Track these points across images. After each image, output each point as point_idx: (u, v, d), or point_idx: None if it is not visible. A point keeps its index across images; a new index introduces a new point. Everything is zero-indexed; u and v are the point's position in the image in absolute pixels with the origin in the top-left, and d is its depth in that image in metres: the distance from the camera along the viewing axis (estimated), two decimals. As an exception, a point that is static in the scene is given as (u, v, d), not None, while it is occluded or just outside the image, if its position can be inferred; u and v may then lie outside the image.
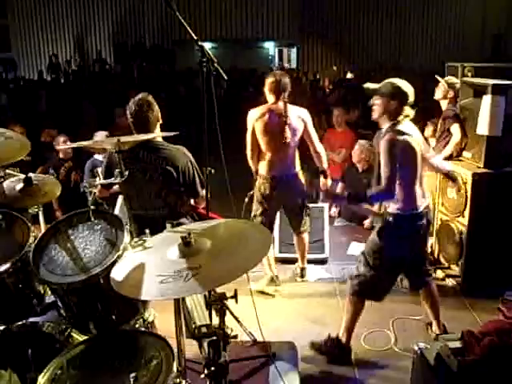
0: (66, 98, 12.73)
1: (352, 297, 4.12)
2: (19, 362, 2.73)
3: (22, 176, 3.07)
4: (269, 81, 4.98)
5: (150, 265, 2.27)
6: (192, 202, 4.06)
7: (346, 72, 19.07)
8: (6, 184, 3.08)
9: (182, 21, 2.94)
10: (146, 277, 2.17)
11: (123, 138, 2.67)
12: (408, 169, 3.78)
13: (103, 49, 20.61)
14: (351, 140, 7.70)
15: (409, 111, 3.82)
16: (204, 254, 2.21)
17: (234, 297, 2.20)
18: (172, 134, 3.21)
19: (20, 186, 3.02)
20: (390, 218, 3.90)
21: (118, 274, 2.30)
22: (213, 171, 3.19)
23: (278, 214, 6.29)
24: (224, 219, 2.58)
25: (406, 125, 3.85)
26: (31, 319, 2.90)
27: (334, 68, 20.61)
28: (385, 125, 3.85)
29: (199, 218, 4.11)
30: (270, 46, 22.77)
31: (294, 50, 22.71)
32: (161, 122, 3.84)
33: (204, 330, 2.20)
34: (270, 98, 5.01)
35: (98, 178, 2.79)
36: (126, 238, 2.57)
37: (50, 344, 2.79)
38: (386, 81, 3.87)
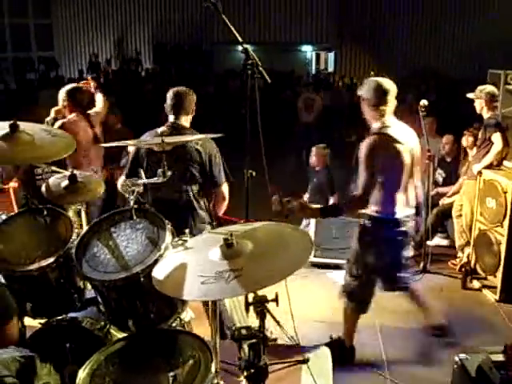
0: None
1: (344, 304, 4.17)
2: (58, 357, 2.77)
3: (68, 173, 3.11)
4: None
5: (192, 265, 2.28)
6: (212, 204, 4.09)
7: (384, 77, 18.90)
8: (51, 180, 3.14)
9: (228, 23, 2.96)
10: (187, 277, 2.19)
11: (167, 139, 2.69)
12: (390, 174, 3.71)
13: (143, 50, 20.85)
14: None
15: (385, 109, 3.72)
16: (245, 256, 2.21)
17: (275, 300, 2.19)
18: (215, 135, 3.22)
19: (65, 183, 3.06)
20: (366, 221, 3.89)
21: (159, 273, 2.32)
22: (254, 174, 3.20)
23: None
24: (264, 222, 2.57)
25: (397, 128, 3.76)
26: (71, 314, 2.93)
27: (372, 73, 20.44)
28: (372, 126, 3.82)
29: (219, 223, 4.12)
30: (307, 50, 22.73)
31: (331, 55, 22.62)
32: (194, 113, 3.96)
33: (244, 332, 2.20)
34: None
35: (140, 177, 2.83)
36: (168, 237, 2.58)
37: (89, 340, 2.82)
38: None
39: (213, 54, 19.79)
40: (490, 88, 5.64)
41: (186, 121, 3.96)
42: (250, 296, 2.28)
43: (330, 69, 22.40)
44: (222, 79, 16.68)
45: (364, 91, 3.82)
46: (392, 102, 3.76)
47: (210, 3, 2.92)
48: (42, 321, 2.89)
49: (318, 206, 4.02)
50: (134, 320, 2.66)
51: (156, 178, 2.80)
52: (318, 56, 23.41)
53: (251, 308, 2.19)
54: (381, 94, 3.72)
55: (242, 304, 2.33)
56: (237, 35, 2.97)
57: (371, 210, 3.80)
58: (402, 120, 3.87)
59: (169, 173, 2.78)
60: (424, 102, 5.64)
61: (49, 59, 19.64)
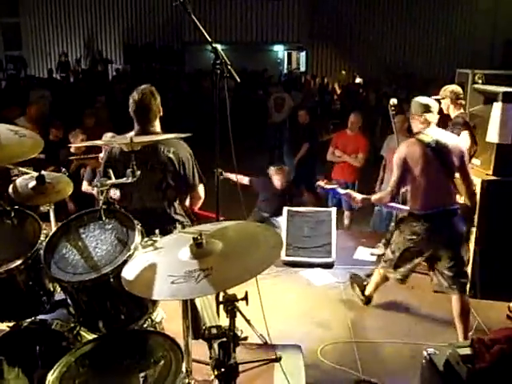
0: (76, 97, 12.77)
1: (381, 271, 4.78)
2: (28, 360, 2.74)
3: (35, 174, 3.07)
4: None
5: (162, 265, 2.28)
6: (187, 202, 4.06)
7: (355, 76, 19.06)
8: (18, 181, 3.09)
9: (197, 23, 2.95)
10: (157, 277, 2.18)
11: (136, 138, 2.67)
12: (415, 172, 4.24)
13: (113, 49, 20.69)
14: (364, 144, 7.91)
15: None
16: (215, 256, 2.22)
17: (245, 299, 2.20)
18: (184, 135, 3.20)
19: (33, 183, 3.02)
20: (405, 214, 4.46)
21: (129, 273, 2.31)
22: (223, 173, 3.19)
23: (285, 214, 6.35)
24: (235, 221, 2.58)
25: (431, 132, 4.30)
26: (40, 316, 2.89)
27: (343, 72, 20.59)
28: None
29: (196, 219, 4.12)
30: (279, 50, 22.80)
31: (302, 54, 22.73)
32: (161, 114, 3.86)
33: (214, 331, 2.20)
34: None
35: (109, 178, 2.81)
36: (137, 237, 2.57)
37: (59, 342, 2.79)
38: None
39: (184, 53, 19.73)
40: (452, 87, 5.69)
41: (154, 126, 3.81)
42: (221, 295, 2.28)
43: (302, 68, 22.51)
44: (193, 78, 16.65)
45: (414, 106, 4.49)
46: (436, 113, 4.43)
47: (179, 2, 2.90)
48: (11, 324, 2.85)
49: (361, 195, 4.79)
50: (104, 321, 2.64)
51: (125, 178, 2.77)
52: (289, 55, 23.50)
53: (221, 307, 2.19)
54: (427, 108, 4.39)
55: (213, 303, 2.33)
56: (206, 34, 2.96)
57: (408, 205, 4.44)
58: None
59: (138, 172, 2.76)
60: (394, 100, 5.68)
61: (17, 58, 19.36)
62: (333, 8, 20.78)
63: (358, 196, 4.76)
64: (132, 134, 3.75)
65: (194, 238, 2.23)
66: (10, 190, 3.05)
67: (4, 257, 2.66)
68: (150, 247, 2.49)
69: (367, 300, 5.07)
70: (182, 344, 2.40)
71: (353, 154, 7.84)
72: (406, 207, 4.56)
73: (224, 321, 2.31)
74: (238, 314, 2.20)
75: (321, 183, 5.38)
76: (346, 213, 7.76)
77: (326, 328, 4.77)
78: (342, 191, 5.00)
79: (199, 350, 2.68)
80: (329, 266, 6.08)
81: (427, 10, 20.53)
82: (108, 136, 6.48)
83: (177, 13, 17.29)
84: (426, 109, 4.34)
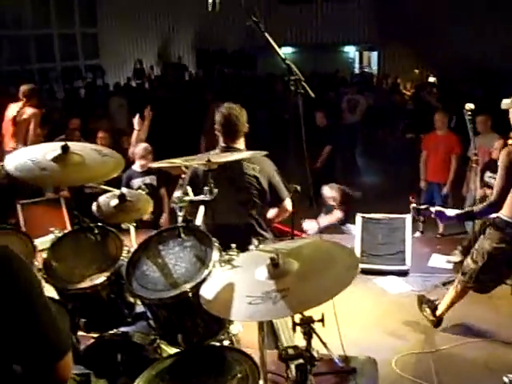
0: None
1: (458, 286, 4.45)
2: (110, 370, 2.87)
3: (118, 192, 3.19)
4: None
5: (239, 284, 2.32)
6: (270, 214, 4.09)
7: (428, 76, 18.63)
8: (101, 199, 3.22)
9: (270, 40, 2.98)
10: (235, 297, 2.22)
11: (214, 158, 2.73)
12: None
13: (186, 55, 21.10)
14: (455, 142, 7.82)
15: None
16: (292, 276, 2.24)
17: (321, 320, 2.21)
18: (263, 153, 3.25)
19: (115, 202, 3.14)
20: (496, 219, 4.14)
21: (207, 292, 2.37)
22: (299, 188, 3.21)
23: (360, 221, 6.30)
24: (310, 239, 2.59)
25: None
26: (122, 328, 3.01)
27: (416, 71, 20.16)
28: None
29: (276, 233, 4.17)
30: (350, 50, 22.60)
31: (374, 54, 22.42)
32: (247, 131, 3.92)
33: (291, 351, 2.22)
34: None
35: (187, 195, 2.89)
36: (216, 255, 2.62)
37: (140, 354, 2.90)
38: None
39: (256, 57, 19.86)
40: None
41: (240, 143, 3.91)
42: (297, 315, 2.30)
43: (374, 68, 22.22)
44: (266, 82, 16.75)
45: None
46: None
47: (253, 22, 2.96)
48: (95, 335, 2.97)
49: (455, 211, 4.50)
50: (183, 335, 2.71)
51: (203, 196, 2.84)
52: (361, 55, 23.24)
53: (298, 328, 2.21)
54: None
55: (289, 322, 2.36)
56: (279, 51, 3.00)
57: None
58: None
59: (215, 190, 2.82)
60: (470, 105, 5.51)
61: (95, 67, 20.09)
62: (404, 5, 20.37)
63: (451, 213, 4.52)
64: (217, 150, 3.85)
65: (271, 258, 2.26)
66: (94, 207, 3.18)
67: (88, 272, 2.79)
68: (227, 265, 2.54)
69: (438, 321, 4.74)
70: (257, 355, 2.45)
71: (446, 154, 7.74)
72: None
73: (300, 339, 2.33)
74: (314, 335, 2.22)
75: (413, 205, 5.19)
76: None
77: (401, 338, 4.69)
78: (432, 209, 4.78)
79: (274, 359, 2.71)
80: (403, 273, 5.97)
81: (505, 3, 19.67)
82: (140, 147, 6.62)
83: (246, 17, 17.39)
84: None
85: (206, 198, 2.83)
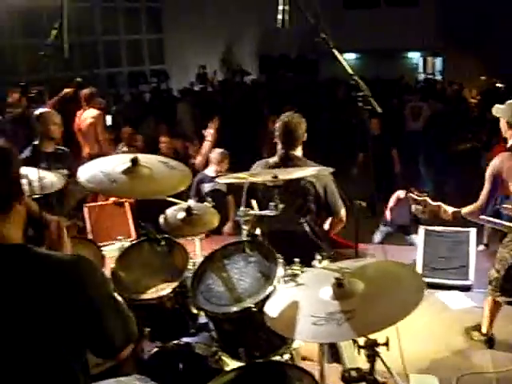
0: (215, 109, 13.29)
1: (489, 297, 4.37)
2: (171, 380, 2.92)
3: (185, 205, 3.24)
4: None
5: (303, 303, 2.32)
6: (326, 226, 4.08)
7: (495, 82, 18.10)
8: (169, 212, 3.28)
9: (339, 57, 2.97)
10: (299, 316, 2.22)
11: (281, 175, 2.74)
12: None
13: (249, 60, 21.26)
14: None
15: None
16: (357, 298, 2.22)
17: (386, 344, 2.18)
18: (329, 169, 3.24)
19: (182, 215, 3.19)
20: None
21: (271, 309, 2.38)
22: (364, 204, 3.18)
23: (422, 233, 6.19)
24: (376, 259, 2.57)
25: None
26: (185, 339, 3.07)
27: (482, 78, 19.63)
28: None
29: (332, 244, 4.14)
30: (414, 56, 22.22)
31: (439, 60, 21.97)
32: (305, 139, 3.95)
33: (354, 374, 2.21)
34: None
35: (252, 208, 2.92)
36: (280, 271, 2.63)
37: (201, 365, 2.95)
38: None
39: (318, 62, 19.81)
40: None
41: (298, 151, 3.95)
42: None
43: (438, 74, 21.77)
44: (327, 87, 16.68)
45: (504, 113, 4.16)
46: None
47: (321, 39, 2.96)
48: (159, 345, 3.04)
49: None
50: (245, 349, 2.74)
51: (268, 211, 2.86)
52: (425, 61, 22.81)
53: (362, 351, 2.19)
54: None
55: (352, 343, 2.34)
56: (348, 68, 2.98)
57: None
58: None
59: (280, 206, 2.84)
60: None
61: (160, 72, 20.50)
62: (469, 11, 19.87)
63: (449, 209, 4.45)
64: (276, 158, 3.88)
65: (336, 278, 2.25)
66: (161, 220, 3.25)
67: (154, 284, 2.86)
68: (291, 282, 2.54)
69: (489, 339, 4.54)
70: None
71: None
72: (504, 222, 4.29)
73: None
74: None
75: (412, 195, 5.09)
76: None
77: (463, 356, 4.56)
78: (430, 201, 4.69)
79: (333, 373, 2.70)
80: (466, 288, 5.83)
81: None
82: (217, 152, 6.66)
83: (310, 23, 17.38)
84: None
85: (272, 214, 2.84)
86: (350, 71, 2.97)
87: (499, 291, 4.26)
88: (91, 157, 7.47)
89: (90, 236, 6.08)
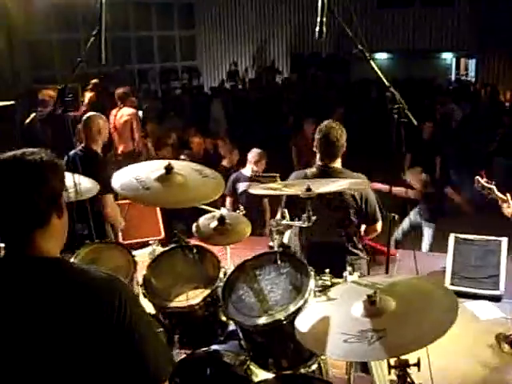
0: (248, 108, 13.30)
1: None
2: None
3: (217, 213, 3.25)
4: None
5: (334, 319, 2.31)
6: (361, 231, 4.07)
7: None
8: (201, 221, 3.28)
9: (375, 67, 2.95)
10: (330, 333, 2.22)
11: (314, 187, 2.73)
12: None
13: (280, 59, 21.22)
14: None
15: None
16: (388, 316, 2.21)
17: (417, 365, 2.17)
18: (366, 181, 3.23)
19: (214, 223, 3.20)
20: None
21: (302, 324, 2.38)
22: (396, 217, 3.16)
23: (452, 241, 6.12)
24: (408, 276, 2.55)
25: None
26: (214, 346, 3.08)
27: (517, 80, 19.28)
28: None
29: (369, 251, 4.13)
30: (447, 56, 21.92)
31: (472, 61, 21.64)
32: (344, 151, 3.92)
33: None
34: None
35: (284, 218, 2.93)
36: (311, 284, 2.63)
37: (229, 373, 2.96)
38: None
39: (350, 62, 19.67)
40: None
41: (338, 163, 3.91)
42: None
43: (472, 76, 21.46)
44: (360, 88, 16.56)
45: None
46: None
47: (359, 50, 2.95)
48: (188, 351, 3.06)
49: None
50: (274, 360, 2.75)
51: (301, 222, 2.86)
52: (458, 62, 22.49)
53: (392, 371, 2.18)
54: None
55: (383, 361, 2.34)
56: (384, 79, 2.96)
57: None
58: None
59: (313, 217, 2.83)
60: None
61: (192, 69, 20.59)
62: (503, 11, 19.51)
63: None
64: (314, 169, 3.88)
65: (368, 296, 2.24)
66: (194, 228, 3.26)
67: (186, 291, 2.88)
68: (322, 296, 2.54)
69: None
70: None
71: None
72: None
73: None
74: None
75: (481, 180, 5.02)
76: None
77: (492, 369, 4.51)
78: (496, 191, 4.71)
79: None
80: (496, 299, 5.75)
81: None
82: (255, 152, 6.63)
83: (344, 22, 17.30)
84: None
85: (304, 225, 2.84)
86: (386, 83, 2.95)
87: None
88: (126, 155, 7.57)
89: (119, 233, 6.16)
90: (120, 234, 6.13)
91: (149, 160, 7.82)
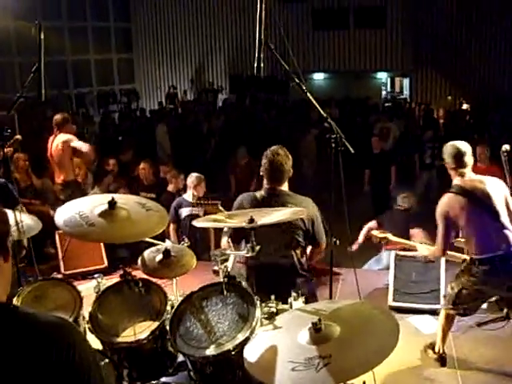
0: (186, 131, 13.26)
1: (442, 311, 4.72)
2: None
3: (162, 246, 3.26)
4: None
5: (281, 347, 2.36)
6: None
7: (462, 103, 18.50)
8: (146, 254, 3.29)
9: (312, 100, 3.05)
10: (278, 361, 2.26)
11: (259, 220, 2.78)
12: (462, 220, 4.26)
13: (219, 80, 21.35)
14: (500, 175, 7.69)
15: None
16: (334, 342, 2.27)
17: (364, 388, 2.24)
18: (304, 211, 3.30)
19: (159, 257, 3.21)
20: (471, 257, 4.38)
21: (250, 353, 2.42)
22: (338, 242, 3.25)
23: (392, 258, 6.29)
24: (351, 300, 2.63)
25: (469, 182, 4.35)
26: (163, 379, 3.07)
27: (449, 98, 20.03)
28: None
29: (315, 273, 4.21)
30: (382, 76, 22.58)
31: (406, 80, 22.36)
32: (291, 175, 4.00)
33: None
34: None
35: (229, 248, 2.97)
36: (257, 313, 2.67)
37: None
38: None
39: (288, 83, 19.98)
40: None
41: (285, 186, 3.98)
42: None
43: (406, 94, 22.14)
44: (299, 108, 16.78)
45: (445, 156, 4.44)
46: (469, 162, 4.38)
47: (296, 83, 3.04)
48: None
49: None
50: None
51: (245, 252, 2.90)
52: (392, 81, 23.19)
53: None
54: (458, 158, 4.34)
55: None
56: (321, 111, 3.06)
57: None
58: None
59: (257, 247, 2.87)
60: (506, 147, 5.48)
61: (130, 91, 20.49)
62: (437, 32, 20.33)
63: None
64: (262, 192, 3.93)
65: (313, 324, 2.30)
66: (139, 262, 3.26)
67: (133, 326, 2.87)
68: (269, 325, 2.59)
69: (441, 358, 4.77)
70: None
71: None
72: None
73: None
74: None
75: (375, 232, 5.36)
76: None
77: (436, 382, 4.66)
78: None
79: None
80: (437, 313, 5.93)
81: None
82: (193, 176, 6.68)
83: (280, 43, 17.59)
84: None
85: (248, 255, 2.89)
86: (323, 114, 3.05)
87: (451, 305, 4.56)
88: (66, 184, 7.41)
89: (61, 263, 6.04)
90: (62, 264, 6.03)
91: (88, 188, 7.78)
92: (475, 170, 7.90)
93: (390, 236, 5.31)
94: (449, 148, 4.42)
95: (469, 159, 4.39)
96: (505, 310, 4.99)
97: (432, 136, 14.30)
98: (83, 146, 7.53)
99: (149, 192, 7.33)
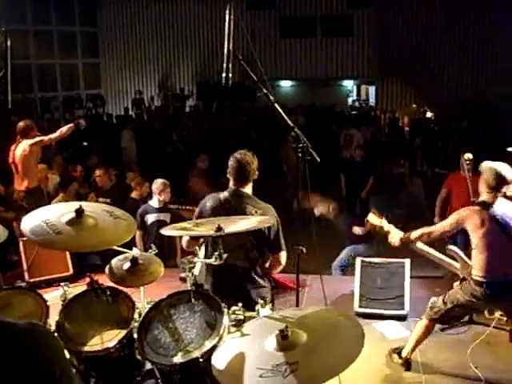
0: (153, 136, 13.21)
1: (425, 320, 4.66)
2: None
3: (130, 255, 3.25)
4: None
5: (249, 354, 2.39)
6: (267, 265, 4.17)
7: (426, 111, 18.82)
8: (114, 262, 3.27)
9: (279, 109, 3.09)
10: (245, 368, 2.29)
11: (226, 228, 2.81)
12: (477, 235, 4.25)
13: (186, 87, 21.30)
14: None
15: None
16: (301, 349, 2.31)
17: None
18: (270, 221, 3.33)
19: (127, 265, 3.20)
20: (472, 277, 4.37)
21: (218, 360, 2.44)
22: (304, 250, 3.29)
23: (358, 266, 6.36)
24: (318, 307, 2.67)
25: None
26: (131, 388, 3.07)
27: (414, 106, 20.37)
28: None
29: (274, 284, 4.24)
30: (348, 84, 22.83)
31: (372, 88, 22.66)
32: (256, 177, 4.05)
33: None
34: None
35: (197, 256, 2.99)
36: (225, 320, 2.70)
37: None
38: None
39: (256, 90, 20.03)
40: None
41: (248, 188, 4.02)
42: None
43: (372, 102, 22.44)
44: (266, 115, 16.86)
45: (486, 172, 4.43)
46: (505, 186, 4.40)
47: (264, 94, 3.08)
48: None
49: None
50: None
51: (213, 260, 2.93)
52: (358, 89, 23.48)
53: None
54: (498, 182, 4.34)
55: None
56: (288, 121, 3.11)
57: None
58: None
59: (225, 255, 2.90)
60: (468, 155, 5.60)
61: (96, 97, 20.30)
62: (402, 41, 20.69)
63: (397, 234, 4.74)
64: (226, 193, 3.96)
65: (280, 331, 2.33)
66: (107, 270, 3.25)
67: (100, 334, 2.86)
68: (237, 332, 2.61)
69: (406, 362, 4.80)
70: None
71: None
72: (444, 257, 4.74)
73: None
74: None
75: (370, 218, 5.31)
76: None
77: (400, 386, 4.72)
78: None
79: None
80: (402, 318, 6.02)
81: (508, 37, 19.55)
82: (158, 182, 6.67)
83: (248, 52, 17.66)
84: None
85: (216, 263, 2.91)
86: (290, 124, 3.10)
87: (438, 318, 4.58)
88: (30, 192, 7.28)
89: (25, 271, 5.95)
90: (26, 272, 5.94)
91: (54, 195, 7.67)
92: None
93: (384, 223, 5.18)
94: (494, 169, 4.41)
95: (506, 184, 4.42)
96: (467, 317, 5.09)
97: (420, 144, 14.61)
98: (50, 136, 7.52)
99: (106, 197, 7.25)
